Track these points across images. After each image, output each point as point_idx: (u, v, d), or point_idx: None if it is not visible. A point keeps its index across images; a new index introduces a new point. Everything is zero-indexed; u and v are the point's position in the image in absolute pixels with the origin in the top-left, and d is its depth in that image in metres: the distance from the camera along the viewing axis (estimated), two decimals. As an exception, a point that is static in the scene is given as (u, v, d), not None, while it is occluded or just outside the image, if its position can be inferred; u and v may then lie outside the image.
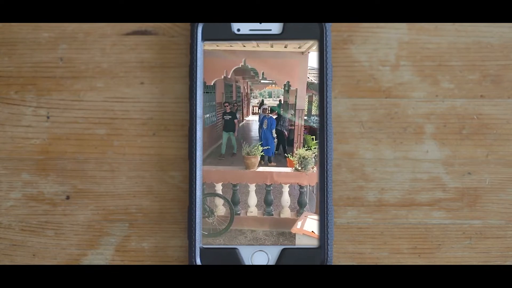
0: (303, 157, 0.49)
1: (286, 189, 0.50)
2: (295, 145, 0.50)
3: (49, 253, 0.50)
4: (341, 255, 0.50)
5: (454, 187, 0.50)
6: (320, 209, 0.48)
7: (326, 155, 0.48)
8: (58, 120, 0.50)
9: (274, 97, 0.51)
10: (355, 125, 0.50)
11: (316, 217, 0.49)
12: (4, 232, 0.50)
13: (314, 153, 0.49)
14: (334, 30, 0.50)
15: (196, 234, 0.47)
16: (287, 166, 0.50)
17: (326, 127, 0.48)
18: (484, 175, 0.50)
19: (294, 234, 0.49)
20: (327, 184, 0.48)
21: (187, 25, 0.50)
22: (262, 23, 0.48)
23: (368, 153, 0.50)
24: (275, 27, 0.48)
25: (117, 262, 0.50)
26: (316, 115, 0.49)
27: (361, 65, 0.50)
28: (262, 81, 0.50)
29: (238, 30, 0.48)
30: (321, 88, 0.48)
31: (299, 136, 0.50)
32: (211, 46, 0.49)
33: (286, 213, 0.50)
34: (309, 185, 0.50)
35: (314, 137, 0.49)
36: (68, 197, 0.50)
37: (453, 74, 0.50)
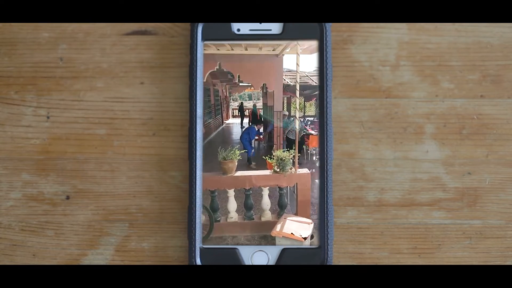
0: (281, 159, 0.49)
1: (265, 192, 0.50)
2: (274, 147, 0.50)
3: (49, 253, 0.50)
4: (341, 255, 0.50)
5: (454, 187, 0.50)
6: (320, 209, 0.48)
7: (326, 155, 0.48)
8: (58, 120, 0.50)
9: (254, 99, 0.51)
10: (355, 125, 0.50)
11: (295, 218, 0.49)
12: (4, 232, 0.50)
13: (291, 154, 0.49)
14: (334, 30, 0.50)
15: (196, 234, 0.47)
16: (266, 169, 0.50)
17: (326, 127, 0.48)
18: (484, 175, 0.50)
19: (275, 237, 0.49)
20: (327, 184, 0.48)
21: (187, 25, 0.50)
22: (262, 23, 0.48)
23: (368, 153, 0.50)
24: (275, 27, 0.48)
25: (117, 262, 0.50)
26: (294, 116, 0.49)
27: (361, 65, 0.50)
28: (240, 84, 0.50)
29: (238, 30, 0.48)
30: (321, 88, 0.48)
31: (278, 137, 0.50)
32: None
33: (267, 216, 0.50)
34: (289, 187, 0.50)
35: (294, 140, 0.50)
36: (68, 197, 0.50)
37: (453, 74, 0.50)
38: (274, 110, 0.50)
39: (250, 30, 0.48)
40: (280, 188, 0.50)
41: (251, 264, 0.48)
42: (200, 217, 0.48)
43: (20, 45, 0.51)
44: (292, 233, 0.48)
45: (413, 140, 0.50)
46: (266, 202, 0.50)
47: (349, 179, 0.50)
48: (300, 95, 0.50)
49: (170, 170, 0.50)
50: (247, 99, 0.51)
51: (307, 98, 0.51)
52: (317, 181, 0.49)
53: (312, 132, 0.51)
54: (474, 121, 0.50)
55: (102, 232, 0.50)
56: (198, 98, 0.48)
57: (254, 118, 0.51)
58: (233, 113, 0.52)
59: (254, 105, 0.51)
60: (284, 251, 0.48)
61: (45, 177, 0.50)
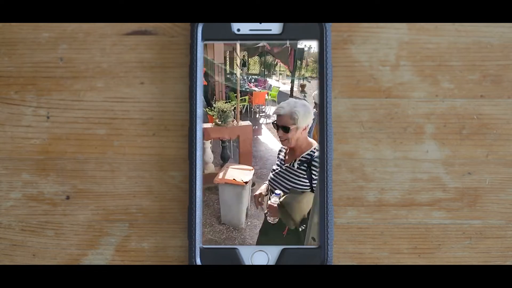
0: (222, 111, 0.49)
1: (208, 145, 0.50)
2: (215, 98, 0.50)
3: (49, 253, 0.50)
4: (341, 255, 0.50)
5: (454, 187, 0.50)
6: (320, 209, 0.48)
7: (326, 155, 0.48)
8: (58, 120, 0.50)
9: None
10: (355, 125, 0.50)
11: (237, 166, 0.49)
12: (4, 232, 0.50)
13: (233, 106, 0.49)
14: (334, 30, 0.50)
15: (196, 234, 0.47)
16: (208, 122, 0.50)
17: (326, 127, 0.48)
18: (484, 175, 0.50)
19: (218, 185, 0.49)
20: (327, 184, 0.48)
21: (187, 25, 0.50)
22: (262, 23, 0.48)
23: (368, 153, 0.50)
24: (275, 27, 0.48)
25: (117, 262, 0.50)
26: (234, 74, 0.49)
27: (361, 65, 0.50)
28: None
29: (238, 30, 0.48)
30: (321, 88, 0.48)
31: (220, 93, 0.50)
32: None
33: (210, 169, 0.50)
34: (231, 140, 0.50)
35: (236, 95, 0.49)
36: (68, 197, 0.50)
37: (453, 74, 0.50)
38: (215, 63, 0.49)
39: (250, 30, 0.48)
40: (223, 141, 0.50)
41: (251, 264, 0.48)
42: (200, 217, 0.48)
43: (20, 45, 0.51)
44: (234, 179, 0.49)
45: (413, 140, 0.50)
46: (208, 155, 0.50)
47: (349, 179, 0.50)
48: (241, 46, 0.49)
49: (170, 170, 0.50)
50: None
51: (250, 53, 0.50)
52: (259, 137, 0.49)
53: (255, 89, 0.51)
54: (474, 121, 0.50)
55: (102, 232, 0.50)
56: (198, 98, 0.48)
57: None
58: None
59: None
60: (284, 251, 0.48)
61: (45, 177, 0.50)
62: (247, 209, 0.50)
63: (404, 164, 0.50)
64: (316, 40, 0.48)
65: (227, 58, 0.50)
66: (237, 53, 0.49)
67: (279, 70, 0.51)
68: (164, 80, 0.50)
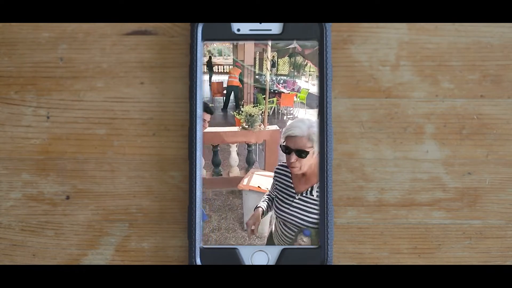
0: (250, 115, 0.48)
1: (233, 149, 0.50)
2: (243, 103, 0.49)
3: (49, 253, 0.50)
4: (341, 255, 0.50)
5: (454, 187, 0.50)
6: (320, 209, 0.48)
7: (326, 155, 0.48)
8: (58, 120, 0.50)
9: (224, 55, 0.49)
10: (355, 125, 0.50)
11: (262, 172, 0.49)
12: (4, 232, 0.50)
13: (261, 110, 0.48)
14: (334, 30, 0.50)
15: (196, 234, 0.47)
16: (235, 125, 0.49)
17: (326, 127, 0.48)
18: (484, 175, 0.50)
19: (241, 191, 0.49)
20: (327, 184, 0.48)
21: (187, 25, 0.50)
22: (262, 23, 0.48)
23: (368, 153, 0.50)
24: (275, 27, 0.48)
25: (117, 262, 0.50)
26: (263, 74, 0.49)
27: (361, 65, 0.50)
28: None
29: (238, 30, 0.48)
30: (321, 88, 0.48)
31: (248, 94, 0.50)
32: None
33: (235, 172, 0.50)
34: (258, 144, 0.49)
35: (265, 96, 0.49)
36: (68, 197, 0.50)
37: (453, 74, 0.50)
38: (245, 64, 0.49)
39: (250, 30, 0.48)
40: (249, 145, 0.49)
41: (251, 264, 0.48)
42: (200, 217, 0.48)
43: (20, 45, 0.51)
44: (258, 186, 0.48)
45: (413, 140, 0.50)
46: (234, 158, 0.50)
47: (349, 179, 0.50)
48: (272, 47, 0.48)
49: (170, 170, 0.50)
50: (217, 54, 0.49)
51: (280, 54, 0.50)
52: None
53: (284, 90, 0.50)
54: (474, 121, 0.50)
55: (102, 232, 0.50)
56: (198, 98, 0.48)
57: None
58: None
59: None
60: (284, 251, 0.48)
61: (45, 177, 0.50)
62: (271, 217, 0.49)
63: (404, 164, 0.50)
64: (316, 40, 0.48)
65: (257, 59, 0.49)
66: (267, 55, 0.49)
67: (309, 71, 0.50)
68: (164, 80, 0.51)
